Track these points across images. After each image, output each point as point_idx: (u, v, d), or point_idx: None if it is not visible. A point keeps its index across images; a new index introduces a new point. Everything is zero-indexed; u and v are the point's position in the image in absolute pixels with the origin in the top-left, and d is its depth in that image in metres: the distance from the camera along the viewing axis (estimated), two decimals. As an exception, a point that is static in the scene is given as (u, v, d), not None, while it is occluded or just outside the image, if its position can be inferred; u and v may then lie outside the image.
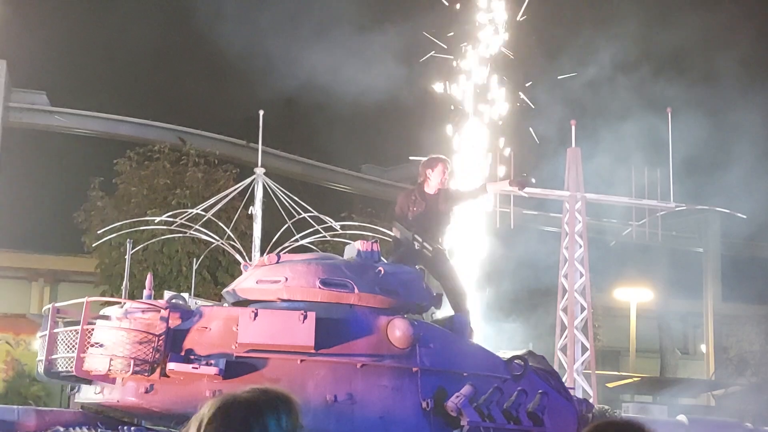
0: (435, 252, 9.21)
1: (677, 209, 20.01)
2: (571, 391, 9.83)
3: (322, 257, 8.21)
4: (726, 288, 37.10)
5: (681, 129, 19.30)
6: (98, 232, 16.78)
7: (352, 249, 8.58)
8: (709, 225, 35.99)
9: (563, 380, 10.94)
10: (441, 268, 9.31)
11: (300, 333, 7.42)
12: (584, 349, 18.25)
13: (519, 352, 9.38)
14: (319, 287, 7.74)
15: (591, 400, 15.12)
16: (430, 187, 9.34)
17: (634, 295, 34.73)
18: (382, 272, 8.01)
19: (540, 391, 8.38)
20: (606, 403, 20.33)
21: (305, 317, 7.42)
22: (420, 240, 9.11)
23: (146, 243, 16.40)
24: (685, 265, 38.86)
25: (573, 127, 18.45)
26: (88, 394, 8.10)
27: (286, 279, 7.80)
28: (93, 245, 20.27)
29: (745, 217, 23.10)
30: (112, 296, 21.12)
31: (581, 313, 18.30)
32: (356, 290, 7.78)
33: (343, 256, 8.99)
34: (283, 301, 7.78)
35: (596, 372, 18.93)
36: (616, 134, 20.75)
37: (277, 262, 7.99)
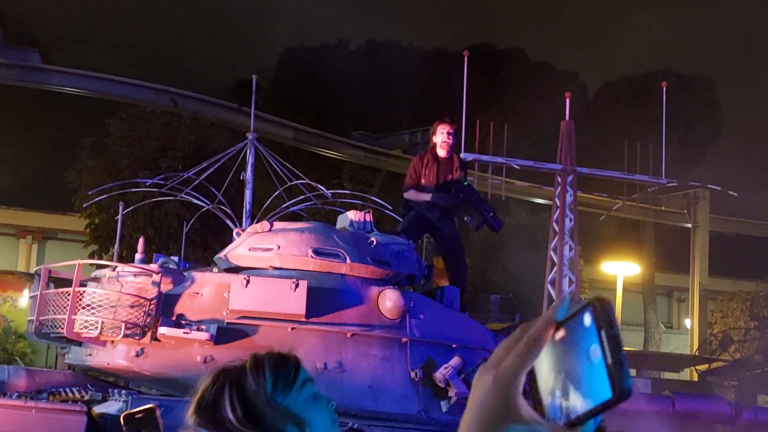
0: (443, 215, 9.21)
1: (669, 185, 20.06)
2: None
3: (315, 226, 8.21)
4: (713, 264, 37.35)
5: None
6: (89, 193, 16.72)
7: (345, 219, 8.59)
8: (698, 201, 36.13)
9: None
10: (447, 233, 9.31)
11: (291, 301, 7.45)
12: (571, 322, 18.35)
13: (507, 325, 9.45)
14: (312, 256, 7.76)
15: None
16: (440, 150, 9.40)
17: (621, 269, 34.90)
18: (375, 243, 8.03)
19: (527, 363, 8.44)
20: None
21: (297, 286, 7.46)
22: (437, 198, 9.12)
23: (137, 205, 16.35)
24: (673, 240, 39.09)
25: (567, 100, 18.39)
26: (78, 356, 8.12)
27: (279, 247, 7.81)
28: (83, 205, 20.21)
29: (736, 194, 23.19)
30: (101, 257, 21.12)
31: (569, 287, 18.38)
32: (348, 260, 7.80)
33: (332, 223, 9.02)
34: (276, 269, 7.79)
35: (582, 344, 19.04)
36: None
37: (270, 230, 7.99)
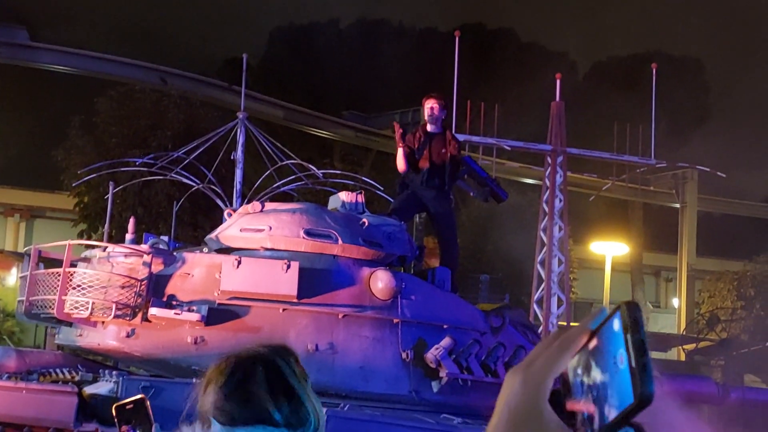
0: (438, 193, 9.17)
1: (657, 166, 20.12)
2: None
3: (307, 207, 8.19)
4: (700, 244, 37.52)
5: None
6: (78, 172, 16.65)
7: (337, 200, 8.57)
8: (687, 181, 36.27)
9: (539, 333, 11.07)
10: (442, 212, 9.26)
11: (283, 282, 7.44)
12: (560, 302, 18.43)
13: (497, 306, 9.46)
14: (303, 237, 7.73)
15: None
16: (429, 125, 9.34)
17: (610, 249, 35.00)
18: (366, 224, 8.02)
19: (518, 344, 8.47)
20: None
21: (289, 267, 7.44)
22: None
23: (126, 184, 16.31)
24: (661, 220, 39.24)
25: (558, 81, 18.39)
26: (68, 336, 8.11)
27: (270, 228, 7.78)
28: (73, 185, 20.17)
29: (724, 176, 23.27)
30: (90, 236, 21.09)
31: (558, 267, 18.44)
32: (340, 241, 7.78)
33: (322, 203, 9.00)
34: (267, 249, 7.77)
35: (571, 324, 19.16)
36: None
37: (261, 211, 7.96)
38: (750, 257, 35.28)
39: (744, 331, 30.79)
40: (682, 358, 28.67)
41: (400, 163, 9.22)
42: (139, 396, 2.48)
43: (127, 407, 2.45)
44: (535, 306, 18.38)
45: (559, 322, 18.41)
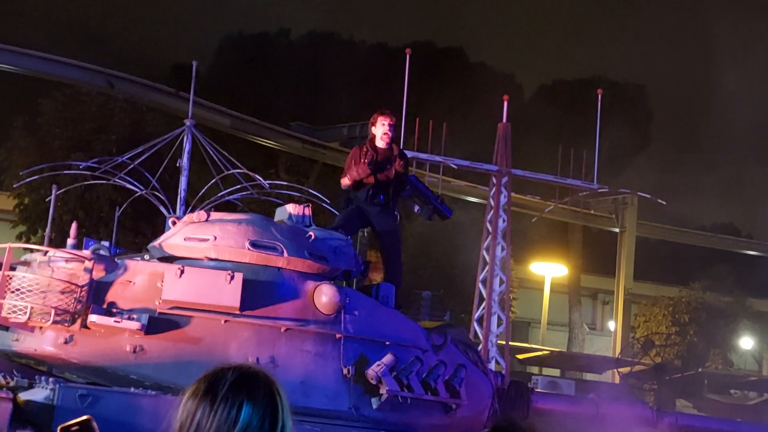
0: (383, 209, 9.18)
1: (599, 190, 20.42)
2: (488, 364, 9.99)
3: (253, 218, 8.14)
4: (637, 268, 38.15)
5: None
6: (20, 173, 16.37)
7: (284, 212, 8.53)
8: (626, 206, 36.87)
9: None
10: (386, 229, 9.27)
11: (226, 293, 7.38)
12: (500, 321, 18.57)
13: (439, 323, 9.51)
14: (248, 248, 7.68)
15: (504, 372, 15.44)
16: (380, 142, 9.33)
17: (549, 270, 35.41)
18: (313, 237, 8.00)
19: (458, 363, 8.52)
20: (515, 375, 20.79)
21: (232, 278, 7.39)
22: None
23: (68, 187, 16.06)
24: (600, 244, 39.81)
25: (505, 103, 18.57)
26: (3, 341, 7.94)
27: (215, 238, 7.72)
28: (14, 185, 19.81)
29: (665, 203, 23.72)
30: (29, 239, 20.74)
31: (500, 286, 18.58)
32: (285, 254, 7.74)
33: (267, 212, 8.94)
34: (211, 260, 7.70)
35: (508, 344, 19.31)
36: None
37: (207, 220, 7.90)
38: (686, 283, 35.96)
39: (677, 357, 31.37)
40: (617, 380, 29.04)
41: (346, 181, 9.24)
42: (85, 417, 2.42)
43: (73, 429, 2.40)
44: (475, 324, 18.49)
45: (498, 341, 18.55)
